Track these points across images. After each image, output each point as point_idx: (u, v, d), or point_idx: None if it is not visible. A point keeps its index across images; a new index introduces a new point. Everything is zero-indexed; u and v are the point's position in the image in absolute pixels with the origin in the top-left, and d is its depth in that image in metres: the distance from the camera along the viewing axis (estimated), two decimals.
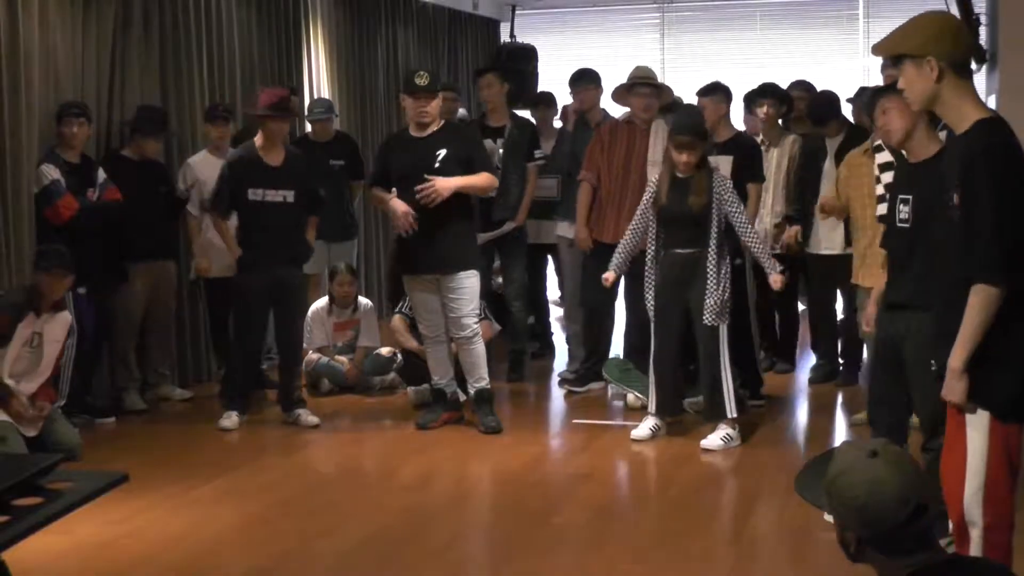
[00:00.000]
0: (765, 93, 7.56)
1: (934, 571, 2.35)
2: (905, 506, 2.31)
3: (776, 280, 5.94)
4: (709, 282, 5.86)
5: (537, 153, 7.62)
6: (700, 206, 5.86)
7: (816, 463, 2.56)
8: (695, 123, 6.03)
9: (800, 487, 2.60)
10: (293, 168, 6.50)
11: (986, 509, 3.19)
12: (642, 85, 6.79)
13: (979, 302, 3.06)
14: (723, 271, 5.90)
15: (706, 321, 5.87)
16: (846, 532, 2.38)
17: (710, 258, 5.86)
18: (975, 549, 3.23)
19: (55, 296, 5.83)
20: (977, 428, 3.16)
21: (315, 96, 9.00)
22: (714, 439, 5.90)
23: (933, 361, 3.32)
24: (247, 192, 6.36)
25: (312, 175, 6.81)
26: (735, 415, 5.94)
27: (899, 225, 4.35)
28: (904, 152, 4.42)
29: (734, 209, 5.91)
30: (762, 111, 7.52)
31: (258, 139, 6.44)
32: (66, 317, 5.92)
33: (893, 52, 3.24)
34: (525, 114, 8.43)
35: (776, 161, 7.35)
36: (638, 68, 6.94)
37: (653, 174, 6.69)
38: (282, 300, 6.49)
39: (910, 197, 4.28)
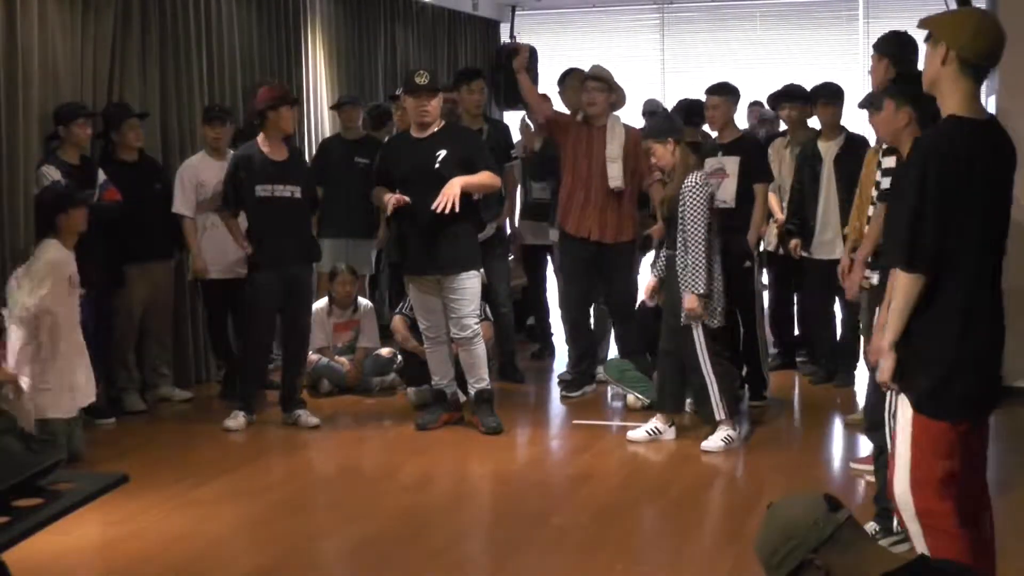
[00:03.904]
0: (789, 96, 7.59)
1: (902, 573, 2.38)
2: (817, 503, 2.51)
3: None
4: (680, 284, 5.87)
5: (513, 153, 7.66)
6: (666, 208, 5.98)
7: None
8: (649, 126, 6.18)
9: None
10: (298, 164, 6.59)
11: (915, 494, 3.25)
12: (591, 80, 6.92)
13: (901, 286, 3.19)
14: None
15: (682, 321, 5.88)
16: (809, 570, 2.50)
17: (678, 259, 5.88)
18: (916, 537, 3.29)
19: (83, 228, 5.79)
20: (905, 414, 3.27)
21: (315, 96, 9.01)
22: (715, 440, 5.89)
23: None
24: (255, 189, 6.36)
25: (311, 171, 6.89)
26: (723, 417, 5.92)
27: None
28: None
29: (688, 224, 5.84)
30: (784, 113, 7.55)
31: (260, 137, 6.43)
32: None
33: (925, 27, 3.30)
34: (519, 116, 8.46)
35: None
36: (593, 66, 7.08)
37: (612, 170, 6.77)
38: (293, 299, 6.47)
39: None
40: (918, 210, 3.13)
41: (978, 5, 8.29)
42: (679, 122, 6.36)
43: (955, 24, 3.23)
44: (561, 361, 8.05)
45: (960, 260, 3.15)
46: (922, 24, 3.32)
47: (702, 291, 5.77)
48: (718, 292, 5.89)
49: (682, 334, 5.89)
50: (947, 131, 3.20)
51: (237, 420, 6.45)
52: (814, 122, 7.54)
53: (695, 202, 5.78)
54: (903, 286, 3.18)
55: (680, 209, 5.81)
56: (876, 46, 4.72)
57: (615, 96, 6.96)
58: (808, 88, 7.69)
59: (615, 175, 6.82)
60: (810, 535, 2.48)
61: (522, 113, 10.08)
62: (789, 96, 7.62)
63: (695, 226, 5.77)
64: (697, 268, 5.77)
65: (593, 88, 6.89)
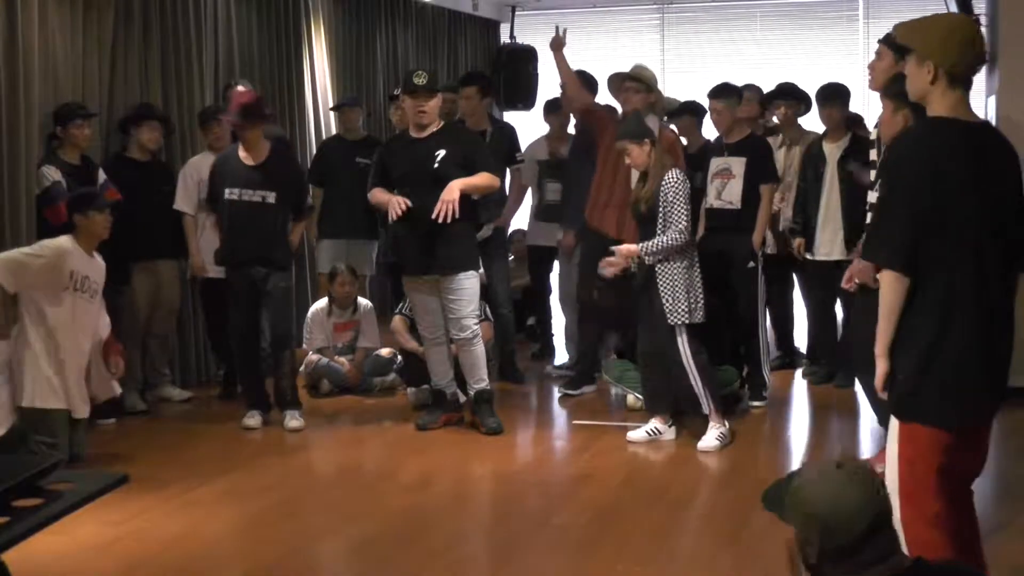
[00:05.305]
0: (781, 94, 7.61)
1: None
2: (863, 519, 2.37)
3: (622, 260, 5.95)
4: (661, 284, 5.88)
5: (518, 156, 7.65)
6: (643, 205, 5.96)
7: (784, 480, 2.59)
8: (624, 128, 6.15)
9: (767, 502, 2.63)
10: (275, 168, 6.44)
11: (901, 503, 3.15)
12: (630, 80, 6.88)
13: (883, 285, 3.17)
14: (674, 272, 5.87)
15: (669, 320, 5.90)
16: (807, 546, 2.42)
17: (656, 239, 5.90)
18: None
19: (104, 236, 5.80)
20: (894, 421, 3.24)
21: (316, 97, 9.01)
22: (710, 439, 5.90)
23: None
24: (224, 191, 6.39)
25: (299, 177, 6.83)
26: (712, 410, 5.94)
27: None
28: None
29: (671, 214, 5.86)
30: (779, 112, 7.56)
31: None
32: (102, 263, 5.85)
33: (905, 42, 3.29)
34: (520, 116, 8.45)
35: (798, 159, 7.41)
36: (635, 66, 7.01)
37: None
38: (265, 303, 6.48)
39: None
40: (891, 207, 3.14)
41: (978, 6, 8.30)
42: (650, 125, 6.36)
43: (939, 40, 3.17)
44: (561, 361, 8.05)
45: (942, 260, 3.09)
46: (902, 38, 3.27)
47: (648, 261, 5.83)
48: (695, 288, 5.90)
49: (666, 333, 5.90)
50: (923, 130, 3.25)
51: (254, 419, 6.47)
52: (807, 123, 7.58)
53: (677, 192, 5.81)
54: (885, 285, 3.15)
55: (662, 202, 5.83)
56: (893, 44, 4.58)
57: (654, 97, 6.90)
58: (804, 87, 7.71)
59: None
60: (839, 536, 2.37)
61: (522, 113, 10.08)
62: (782, 94, 7.63)
63: (679, 213, 5.80)
64: (666, 247, 5.79)
65: (630, 87, 6.84)
